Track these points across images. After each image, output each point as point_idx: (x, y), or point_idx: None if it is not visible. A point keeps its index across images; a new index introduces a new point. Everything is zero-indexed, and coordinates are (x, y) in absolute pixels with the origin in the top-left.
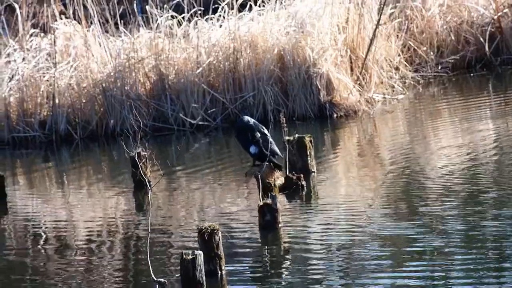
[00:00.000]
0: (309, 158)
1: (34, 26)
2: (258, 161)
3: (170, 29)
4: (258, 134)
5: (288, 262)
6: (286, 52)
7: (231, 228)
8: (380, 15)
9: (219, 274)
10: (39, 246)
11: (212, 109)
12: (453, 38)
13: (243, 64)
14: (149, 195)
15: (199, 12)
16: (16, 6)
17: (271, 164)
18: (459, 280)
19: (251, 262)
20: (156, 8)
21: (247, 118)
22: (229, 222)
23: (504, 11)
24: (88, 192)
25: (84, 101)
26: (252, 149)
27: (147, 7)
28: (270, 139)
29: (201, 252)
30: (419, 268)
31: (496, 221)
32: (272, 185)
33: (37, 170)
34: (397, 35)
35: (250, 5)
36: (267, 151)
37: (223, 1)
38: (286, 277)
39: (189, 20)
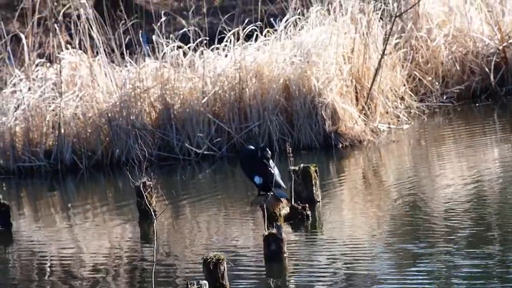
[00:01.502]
0: (314, 188)
1: (40, 56)
2: (263, 191)
3: (176, 59)
4: (264, 164)
5: None
6: (291, 82)
7: (236, 258)
8: (386, 45)
9: None
10: (44, 276)
11: (218, 139)
12: (458, 68)
13: (248, 93)
14: (155, 225)
15: (205, 42)
16: (22, 36)
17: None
18: None
19: None
20: (162, 38)
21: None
22: (234, 252)
23: (510, 41)
24: (93, 222)
25: (89, 130)
26: (257, 179)
27: (153, 37)
28: (274, 170)
29: (206, 282)
30: None
31: (504, 249)
32: (277, 215)
33: (42, 199)
34: (403, 65)
35: (256, 35)
36: (271, 181)
37: (229, 31)
38: None
39: (195, 50)
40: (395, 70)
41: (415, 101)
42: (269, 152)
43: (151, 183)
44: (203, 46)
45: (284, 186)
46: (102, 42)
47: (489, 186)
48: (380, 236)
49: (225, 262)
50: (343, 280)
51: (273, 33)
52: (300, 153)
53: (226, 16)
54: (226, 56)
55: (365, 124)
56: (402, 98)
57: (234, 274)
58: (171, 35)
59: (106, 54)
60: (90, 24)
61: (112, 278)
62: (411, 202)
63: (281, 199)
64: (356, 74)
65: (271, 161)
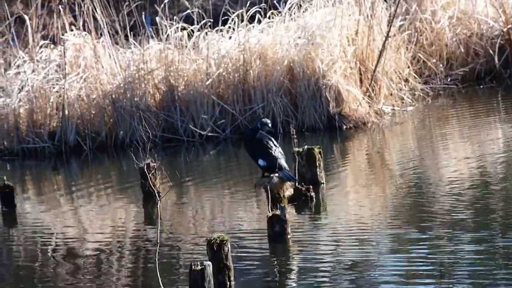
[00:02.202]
0: (318, 170)
1: (44, 37)
2: (267, 173)
3: (180, 40)
4: (269, 146)
5: (297, 274)
6: (295, 63)
7: (240, 239)
8: (390, 27)
9: (228, 285)
10: (48, 257)
11: (222, 120)
12: (462, 50)
13: (252, 75)
14: (158, 206)
15: (209, 23)
16: (26, 17)
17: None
18: None
19: (260, 273)
20: (166, 19)
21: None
22: (238, 233)
23: None
24: (97, 203)
25: (93, 112)
26: (261, 161)
27: (157, 19)
28: (277, 153)
29: (210, 263)
30: (429, 281)
31: (507, 233)
32: (281, 196)
33: (46, 181)
34: (407, 47)
35: (260, 17)
36: (275, 165)
37: (233, 13)
38: None
39: (199, 32)
40: (399, 52)
41: (419, 83)
42: (269, 122)
43: (155, 164)
44: (207, 28)
45: (288, 168)
46: (106, 24)
47: (493, 168)
48: (384, 217)
49: (229, 243)
50: (346, 261)
51: (277, 15)
52: (304, 135)
53: None
54: (230, 38)
55: (369, 106)
56: (406, 80)
57: (238, 255)
58: (175, 17)
59: (110, 36)
60: (94, 6)
61: (116, 259)
62: (415, 183)
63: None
64: (360, 56)
65: (273, 142)
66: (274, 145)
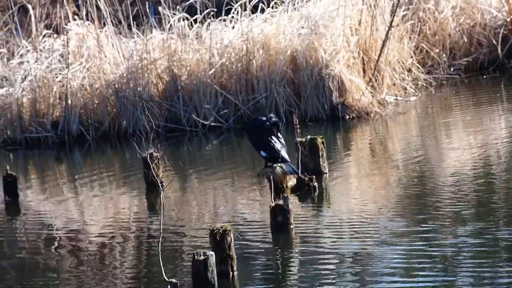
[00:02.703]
0: (321, 160)
1: (47, 27)
2: (270, 163)
3: (183, 30)
4: (270, 138)
5: (300, 264)
6: (298, 53)
7: (243, 229)
8: (393, 17)
9: (231, 275)
10: (51, 246)
11: (225, 110)
12: (465, 40)
13: (255, 65)
14: (161, 196)
15: (212, 13)
16: (29, 7)
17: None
18: (472, 282)
19: (263, 263)
20: (169, 9)
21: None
22: (241, 223)
23: None
24: (100, 193)
25: (96, 102)
26: (263, 153)
27: (160, 8)
28: (278, 145)
29: (213, 253)
30: (432, 273)
31: (510, 224)
32: (284, 186)
33: (49, 170)
34: (410, 37)
35: (263, 6)
36: (277, 157)
37: (236, 3)
38: (298, 278)
39: (202, 22)
40: (403, 42)
41: (422, 73)
42: (278, 119)
43: (158, 154)
44: (210, 18)
45: (289, 160)
46: (109, 13)
47: (496, 158)
48: (386, 207)
49: (231, 233)
50: (349, 251)
51: (281, 4)
52: (307, 125)
53: None
54: (233, 27)
55: (372, 96)
56: (409, 70)
57: (241, 245)
58: (178, 7)
59: (113, 26)
60: None
61: (119, 248)
62: (418, 173)
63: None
64: (363, 45)
65: (275, 132)
66: (276, 135)
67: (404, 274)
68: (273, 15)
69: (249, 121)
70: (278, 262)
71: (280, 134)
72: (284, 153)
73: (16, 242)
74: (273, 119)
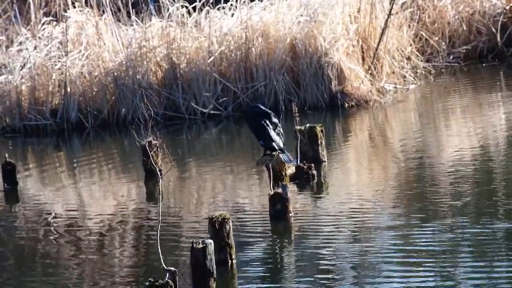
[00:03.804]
0: (320, 148)
1: (46, 14)
2: (269, 151)
3: (182, 18)
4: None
5: (299, 252)
6: (298, 41)
7: (241, 217)
8: (392, 4)
9: (230, 263)
10: (50, 234)
11: (224, 98)
12: (465, 28)
13: (254, 53)
14: (160, 184)
15: (211, 1)
16: None
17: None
18: (471, 274)
19: (262, 251)
20: None
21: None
22: (239, 211)
23: None
24: (99, 180)
25: (95, 89)
26: (262, 141)
27: None
28: (273, 133)
29: (211, 241)
30: (431, 259)
31: (509, 216)
32: (283, 175)
33: (48, 158)
34: (409, 25)
35: None
36: (274, 148)
37: None
38: (296, 266)
39: (201, 9)
40: (402, 30)
41: (421, 61)
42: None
43: (157, 142)
44: (209, 5)
45: (284, 149)
46: (109, 1)
47: (495, 146)
48: (385, 195)
49: (230, 221)
50: (347, 239)
51: None
52: (306, 113)
53: None
54: (232, 15)
55: (371, 84)
56: (409, 58)
57: (240, 233)
58: None
59: (112, 13)
60: None
61: (118, 236)
62: (417, 162)
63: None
64: (362, 33)
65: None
66: (273, 123)
67: (402, 263)
68: (272, 3)
69: (248, 108)
70: (277, 250)
71: (279, 122)
72: (280, 142)
73: (15, 230)
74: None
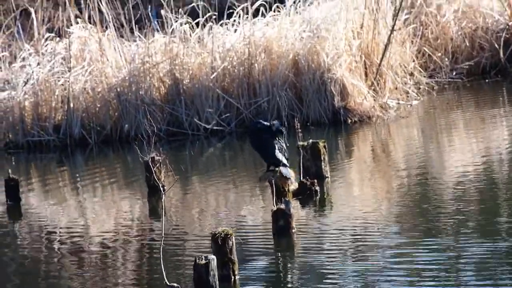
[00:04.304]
0: (323, 164)
1: (49, 30)
2: (272, 166)
3: (185, 34)
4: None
5: (302, 268)
6: (300, 57)
7: (244, 233)
8: (395, 20)
9: (232, 279)
10: (52, 250)
11: (226, 114)
12: (467, 44)
13: (257, 69)
14: (163, 200)
15: (214, 17)
16: (32, 10)
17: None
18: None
19: (265, 267)
20: (171, 13)
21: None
22: (242, 227)
23: None
24: (102, 197)
25: (98, 105)
26: (265, 156)
27: (162, 12)
28: (276, 150)
29: (214, 257)
30: (434, 275)
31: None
32: (286, 190)
33: (51, 174)
34: (412, 41)
35: (265, 10)
36: (277, 163)
37: (238, 6)
38: (299, 283)
39: (204, 25)
40: (405, 45)
41: (424, 77)
42: (283, 129)
43: (160, 158)
44: (212, 21)
45: (287, 164)
46: (112, 17)
47: (498, 162)
48: (388, 211)
49: (233, 237)
50: (351, 255)
51: (283, 8)
52: (308, 129)
53: None
54: (235, 31)
55: (374, 100)
56: (412, 74)
57: (243, 249)
58: (180, 10)
59: (115, 29)
60: None
61: (121, 252)
62: (420, 177)
63: (286, 177)
64: (365, 49)
65: (278, 139)
66: (279, 140)
67: (406, 278)
68: (275, 19)
69: (251, 124)
70: (280, 266)
71: (283, 139)
72: (284, 159)
73: (17, 246)
74: (276, 125)
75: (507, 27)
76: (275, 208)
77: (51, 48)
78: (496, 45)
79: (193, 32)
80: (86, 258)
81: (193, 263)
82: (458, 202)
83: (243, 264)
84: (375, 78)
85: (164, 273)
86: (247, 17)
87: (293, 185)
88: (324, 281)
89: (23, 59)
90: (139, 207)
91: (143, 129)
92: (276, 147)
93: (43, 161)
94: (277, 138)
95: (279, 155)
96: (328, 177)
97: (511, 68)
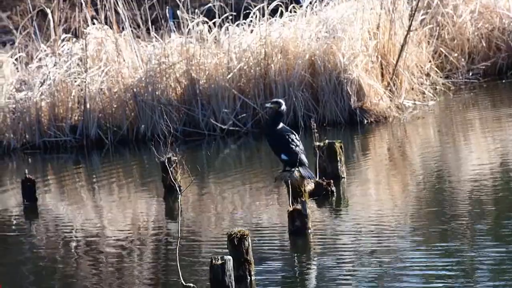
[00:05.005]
0: (339, 164)
1: (65, 31)
2: (289, 167)
3: (201, 34)
4: (292, 141)
5: (317, 268)
6: (317, 57)
7: (260, 234)
8: (411, 21)
9: (248, 279)
10: (69, 250)
11: (243, 114)
12: (484, 44)
13: (274, 69)
14: (179, 200)
15: (230, 17)
16: (48, 11)
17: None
18: None
19: (281, 267)
20: (188, 13)
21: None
22: (258, 228)
23: None
24: (119, 197)
25: (115, 106)
26: (283, 155)
27: (179, 12)
28: (298, 148)
29: (230, 257)
30: (450, 274)
31: None
32: (302, 191)
33: (68, 174)
34: (428, 41)
35: (281, 10)
36: (296, 161)
37: (254, 7)
38: (315, 283)
39: (220, 26)
40: (421, 46)
41: (440, 77)
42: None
43: (176, 158)
44: (228, 22)
45: (307, 164)
46: (128, 17)
47: None
48: (404, 211)
49: (249, 238)
50: (366, 255)
51: (299, 8)
52: (325, 129)
53: None
54: (251, 31)
55: (391, 100)
56: (428, 75)
57: (259, 250)
58: (196, 10)
59: (131, 29)
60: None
61: (137, 253)
62: (436, 178)
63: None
64: (381, 50)
65: (295, 136)
66: (296, 139)
67: (423, 277)
68: (291, 19)
69: (267, 122)
70: (296, 266)
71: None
72: (303, 156)
73: (34, 246)
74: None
75: None
76: (291, 209)
77: (68, 49)
78: None
79: (209, 33)
80: (102, 258)
81: (209, 263)
82: (474, 204)
83: (259, 264)
84: (391, 79)
85: (180, 273)
86: (263, 18)
87: (309, 186)
88: (339, 282)
89: (40, 59)
90: (155, 208)
91: (160, 129)
92: (296, 145)
93: (59, 161)
94: (288, 128)
95: (298, 149)
96: (344, 177)
97: None
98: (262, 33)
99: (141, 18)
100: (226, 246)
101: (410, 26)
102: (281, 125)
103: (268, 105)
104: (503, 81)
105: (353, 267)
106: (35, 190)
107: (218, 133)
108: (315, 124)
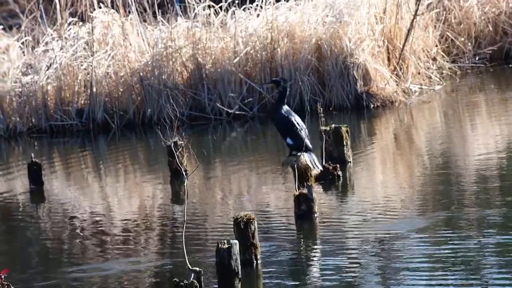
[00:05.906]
0: (345, 148)
1: (72, 14)
2: (295, 151)
3: (208, 18)
4: (297, 125)
5: (323, 252)
6: (323, 42)
7: (267, 218)
8: (418, 5)
9: (255, 263)
10: (75, 234)
11: (249, 99)
12: (491, 29)
13: (280, 53)
14: (186, 184)
15: (237, 1)
16: None
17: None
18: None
19: (286, 251)
20: None
21: (285, 108)
22: (265, 212)
23: None
24: (125, 181)
25: (121, 90)
26: (289, 140)
27: None
28: (303, 133)
29: (236, 241)
30: (455, 261)
31: None
32: (308, 175)
33: (74, 158)
34: (435, 26)
35: None
36: (302, 145)
37: None
38: (321, 267)
39: (227, 10)
40: (428, 30)
41: (447, 62)
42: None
43: (182, 142)
44: (235, 6)
45: (312, 149)
46: (134, 1)
47: None
48: (410, 196)
49: (255, 222)
50: (372, 240)
51: None
52: (331, 113)
53: None
54: (258, 16)
55: (397, 85)
56: (434, 59)
57: (265, 234)
58: None
59: (138, 13)
60: None
61: (143, 236)
62: (442, 163)
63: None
64: (388, 34)
65: (301, 121)
66: (301, 122)
67: (428, 263)
68: (297, 4)
69: (273, 106)
70: (302, 250)
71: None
72: (308, 142)
73: (40, 229)
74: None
75: None
76: (297, 193)
77: (74, 33)
78: None
79: (216, 17)
80: (108, 242)
81: (215, 247)
82: (481, 189)
83: (265, 248)
84: (397, 63)
85: (186, 257)
86: (270, 2)
87: (316, 170)
88: (346, 266)
89: (46, 43)
90: (161, 192)
91: (166, 113)
92: (301, 129)
93: (65, 145)
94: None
95: (303, 134)
96: (350, 161)
97: None
98: (269, 17)
99: (148, 2)
100: (232, 230)
101: (416, 10)
102: (285, 108)
103: (265, 85)
104: (510, 65)
105: (358, 252)
106: (41, 173)
107: (224, 117)
108: (321, 109)
